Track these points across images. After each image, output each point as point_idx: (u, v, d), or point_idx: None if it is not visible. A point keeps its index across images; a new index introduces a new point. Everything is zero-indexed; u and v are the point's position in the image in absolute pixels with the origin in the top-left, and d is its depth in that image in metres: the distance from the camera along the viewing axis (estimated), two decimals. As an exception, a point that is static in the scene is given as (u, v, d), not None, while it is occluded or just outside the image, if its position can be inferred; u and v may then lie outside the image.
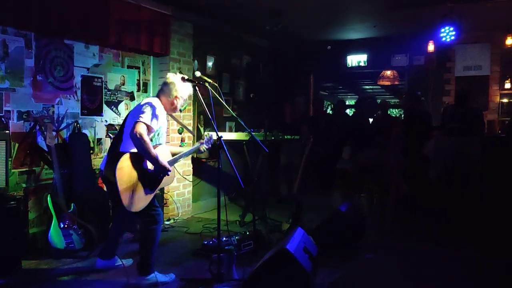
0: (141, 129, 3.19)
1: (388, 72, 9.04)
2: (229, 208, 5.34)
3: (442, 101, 7.41)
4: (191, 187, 6.24)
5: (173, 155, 3.63)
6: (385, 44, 7.82)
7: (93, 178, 4.80)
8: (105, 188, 4.98)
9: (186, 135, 6.07)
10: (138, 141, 3.16)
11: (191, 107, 6.21)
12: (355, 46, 8.16)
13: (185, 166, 6.06)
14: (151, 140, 3.34)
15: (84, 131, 4.87)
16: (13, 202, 3.73)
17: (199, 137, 6.09)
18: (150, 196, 3.39)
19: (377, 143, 6.05)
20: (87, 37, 4.82)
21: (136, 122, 3.21)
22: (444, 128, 5.87)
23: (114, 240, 3.82)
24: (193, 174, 6.25)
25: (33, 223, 4.35)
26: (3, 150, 3.73)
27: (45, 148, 4.39)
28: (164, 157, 3.40)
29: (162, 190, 5.58)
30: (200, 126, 6.46)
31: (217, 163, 3.54)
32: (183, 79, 3.59)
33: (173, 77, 3.57)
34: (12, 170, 4.18)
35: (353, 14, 6.37)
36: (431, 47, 7.09)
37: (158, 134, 3.48)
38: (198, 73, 3.69)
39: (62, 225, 4.14)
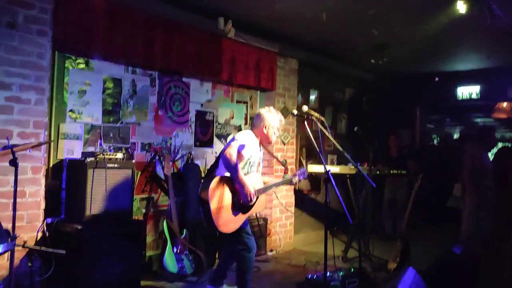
0: (231, 150, 3.42)
1: (505, 104, 8.38)
2: (331, 242, 5.25)
3: None
4: (293, 219, 6.28)
5: (265, 184, 3.78)
6: (501, 75, 7.30)
7: (203, 207, 5.07)
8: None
9: (290, 167, 6.17)
10: (227, 160, 3.38)
11: (294, 140, 6.33)
12: (466, 78, 7.74)
13: (287, 197, 6.14)
14: (243, 168, 3.54)
15: (196, 161, 5.22)
16: (135, 226, 4.09)
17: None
18: (241, 219, 3.53)
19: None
20: (202, 74, 5.23)
21: (229, 145, 3.48)
22: None
23: (223, 268, 3.98)
24: (295, 206, 6.30)
25: (149, 246, 4.70)
26: (129, 178, 4.10)
27: (162, 177, 4.77)
28: (254, 184, 3.55)
29: (266, 220, 5.71)
30: (302, 159, 6.53)
31: (319, 196, 3.55)
32: (292, 114, 3.74)
33: (262, 110, 3.80)
34: (134, 196, 4.60)
35: (466, 45, 6.09)
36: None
37: (249, 163, 3.64)
38: (305, 108, 3.77)
39: (175, 250, 4.41)
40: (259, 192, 3.61)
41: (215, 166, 3.74)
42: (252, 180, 3.55)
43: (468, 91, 7.85)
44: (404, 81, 8.15)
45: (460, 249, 4.15)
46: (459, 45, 6.11)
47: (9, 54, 3.51)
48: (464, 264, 4.04)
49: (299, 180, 3.96)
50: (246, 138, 3.59)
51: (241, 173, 3.43)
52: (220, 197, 3.38)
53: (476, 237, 5.09)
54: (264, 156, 4.07)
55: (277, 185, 3.94)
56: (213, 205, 3.32)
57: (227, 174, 3.48)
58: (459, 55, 6.67)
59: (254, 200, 3.53)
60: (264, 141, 3.79)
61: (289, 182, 3.98)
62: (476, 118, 12.72)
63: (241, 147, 3.50)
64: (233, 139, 3.57)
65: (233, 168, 3.38)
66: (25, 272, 3.03)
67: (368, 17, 4.92)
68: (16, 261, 2.72)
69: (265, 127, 3.72)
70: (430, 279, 3.73)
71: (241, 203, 3.50)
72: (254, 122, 3.82)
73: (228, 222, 3.43)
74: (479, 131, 6.08)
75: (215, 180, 3.40)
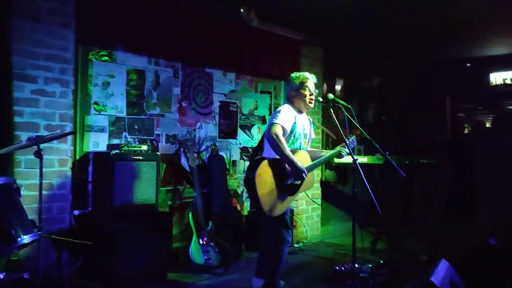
0: (276, 129, 3.31)
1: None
2: (359, 234, 5.15)
3: None
4: (320, 210, 6.19)
5: (314, 160, 3.63)
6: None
7: (229, 198, 5.04)
8: (238, 208, 5.27)
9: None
10: (273, 141, 3.28)
11: (319, 131, 6.21)
12: (500, 62, 7.41)
13: (314, 189, 6.04)
14: (287, 141, 3.42)
15: (220, 153, 5.18)
16: (161, 218, 4.09)
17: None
18: (288, 202, 3.44)
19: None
20: (225, 65, 5.17)
21: (271, 124, 3.36)
22: None
23: (265, 258, 3.77)
24: (321, 198, 6.20)
25: (175, 238, 4.70)
26: (154, 170, 4.09)
27: (187, 169, 4.76)
28: (302, 162, 3.40)
29: (292, 212, 5.63)
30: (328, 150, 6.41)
31: (345, 187, 3.43)
32: (318, 101, 3.62)
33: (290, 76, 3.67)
34: (160, 188, 4.59)
35: (499, 27, 5.81)
36: None
37: (294, 137, 3.52)
38: (331, 95, 3.66)
39: (201, 242, 4.40)
40: (308, 170, 3.45)
41: (259, 149, 3.64)
42: (300, 158, 3.42)
43: (502, 77, 7.53)
44: (433, 68, 7.89)
45: (495, 240, 3.99)
46: (492, 27, 5.84)
47: (34, 47, 3.54)
48: (500, 255, 3.89)
49: (349, 152, 3.78)
50: (284, 111, 3.46)
51: (289, 150, 3.31)
52: (267, 180, 3.28)
53: (494, 223, 4.91)
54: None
55: (325, 159, 3.75)
56: (260, 190, 3.21)
57: (273, 156, 3.37)
58: (492, 39, 6.38)
59: (304, 178, 3.40)
60: (303, 106, 3.62)
61: (337, 155, 3.78)
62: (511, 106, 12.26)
63: (283, 122, 3.38)
64: (273, 117, 3.45)
65: (279, 147, 3.26)
66: (53, 264, 3.06)
67: (395, 0, 4.75)
68: (44, 252, 2.74)
69: (294, 91, 3.60)
70: (464, 271, 3.59)
71: (289, 183, 3.40)
72: (287, 90, 3.72)
73: (276, 205, 3.32)
74: (494, 119, 5.84)
75: (262, 164, 3.27)
